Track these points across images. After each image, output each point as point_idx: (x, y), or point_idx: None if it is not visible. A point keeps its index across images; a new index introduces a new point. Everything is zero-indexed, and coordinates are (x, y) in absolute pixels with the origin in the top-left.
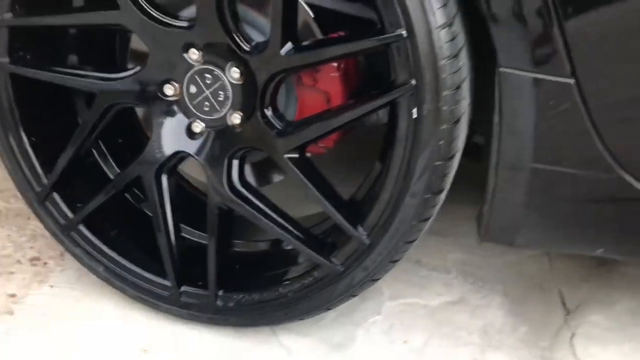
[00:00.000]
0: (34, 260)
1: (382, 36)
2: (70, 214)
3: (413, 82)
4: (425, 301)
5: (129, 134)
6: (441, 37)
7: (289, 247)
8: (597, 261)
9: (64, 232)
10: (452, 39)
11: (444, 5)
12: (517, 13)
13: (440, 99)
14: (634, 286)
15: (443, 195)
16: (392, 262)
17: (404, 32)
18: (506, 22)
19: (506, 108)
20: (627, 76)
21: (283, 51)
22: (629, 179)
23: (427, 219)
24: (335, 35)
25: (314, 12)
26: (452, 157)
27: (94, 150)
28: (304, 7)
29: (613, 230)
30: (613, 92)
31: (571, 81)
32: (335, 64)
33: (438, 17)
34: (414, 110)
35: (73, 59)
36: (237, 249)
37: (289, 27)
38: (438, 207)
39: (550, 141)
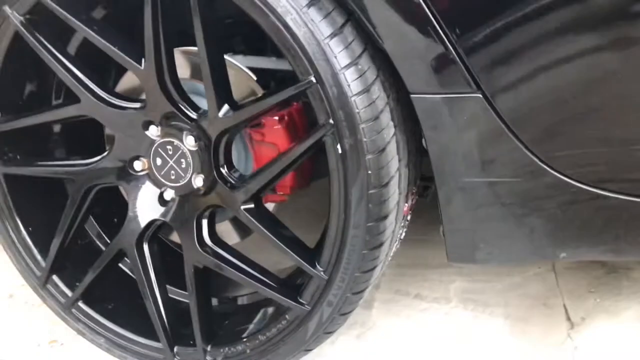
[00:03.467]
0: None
1: (296, 85)
2: (69, 293)
3: (331, 121)
4: (423, 335)
5: (123, 212)
6: (347, 77)
7: (263, 298)
8: (606, 270)
9: (65, 310)
10: (360, 76)
11: (346, 48)
12: (413, 44)
13: (357, 132)
14: None
15: (388, 222)
16: (355, 294)
17: (312, 79)
18: (404, 53)
19: (427, 130)
20: (527, 79)
21: (221, 114)
22: (565, 178)
23: (377, 246)
24: None
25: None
26: (386, 184)
27: (89, 231)
28: (247, 72)
29: (564, 233)
30: (519, 97)
31: (479, 95)
32: (277, 117)
33: (340, 59)
34: (338, 146)
35: (54, 152)
36: (217, 305)
37: (222, 91)
38: (387, 234)
39: (476, 154)
